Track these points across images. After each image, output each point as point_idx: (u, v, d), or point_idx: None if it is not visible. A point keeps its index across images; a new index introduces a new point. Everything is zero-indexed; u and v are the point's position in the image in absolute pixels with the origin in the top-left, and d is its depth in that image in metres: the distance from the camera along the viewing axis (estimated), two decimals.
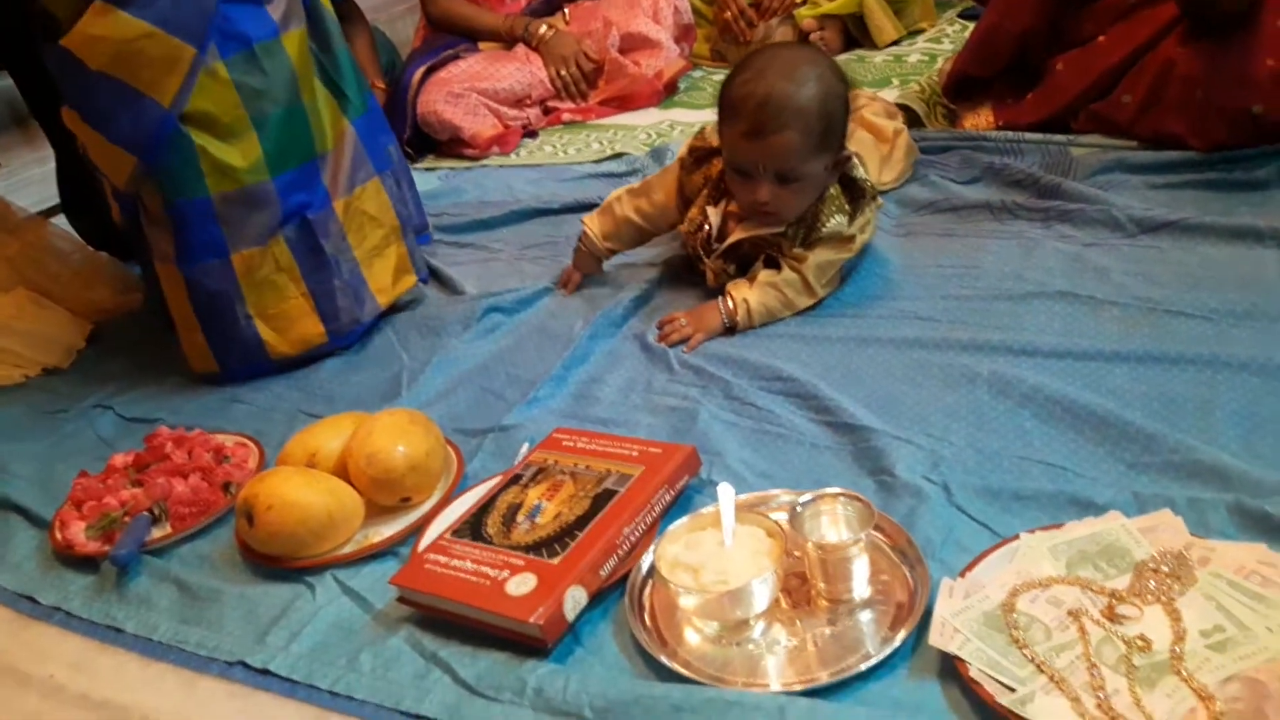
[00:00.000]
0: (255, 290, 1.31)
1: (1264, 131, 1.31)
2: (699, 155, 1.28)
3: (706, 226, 1.25)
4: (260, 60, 1.25)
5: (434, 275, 1.53)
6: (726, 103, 1.16)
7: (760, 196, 1.15)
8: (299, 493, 0.97)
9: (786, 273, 1.20)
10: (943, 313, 1.15)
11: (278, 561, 0.98)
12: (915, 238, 1.35)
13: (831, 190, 1.20)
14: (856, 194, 1.22)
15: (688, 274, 1.35)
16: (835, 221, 1.19)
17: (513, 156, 2.09)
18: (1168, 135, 1.39)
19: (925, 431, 0.96)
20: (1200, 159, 1.34)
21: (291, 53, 1.29)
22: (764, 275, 1.21)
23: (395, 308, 1.45)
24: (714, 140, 1.25)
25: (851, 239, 1.22)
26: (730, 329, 1.21)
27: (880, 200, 1.28)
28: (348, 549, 0.98)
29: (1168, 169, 1.35)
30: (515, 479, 0.97)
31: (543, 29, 2.21)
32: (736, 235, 1.22)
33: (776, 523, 0.82)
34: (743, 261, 1.26)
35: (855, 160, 1.22)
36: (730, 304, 1.20)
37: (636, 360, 1.21)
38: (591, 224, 1.38)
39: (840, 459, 0.96)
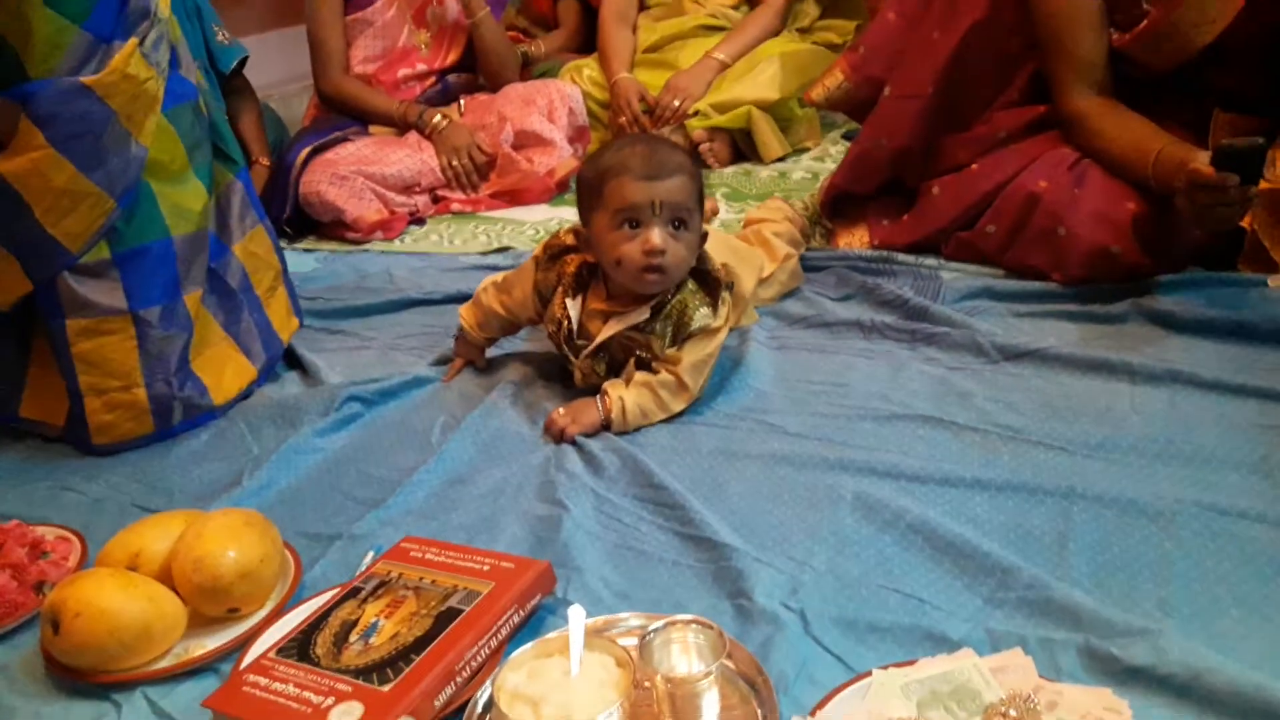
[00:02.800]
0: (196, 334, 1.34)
1: (1121, 270, 1.36)
2: (554, 252, 1.28)
3: (565, 322, 1.24)
4: (192, 115, 1.32)
5: (298, 363, 1.47)
6: (603, 168, 1.17)
7: (654, 241, 1.14)
8: (113, 599, 0.88)
9: (663, 375, 1.20)
10: (811, 429, 1.14)
11: (83, 675, 0.88)
12: (789, 351, 1.35)
13: (689, 285, 1.22)
14: (711, 285, 1.23)
15: (562, 370, 1.33)
16: (701, 314, 1.20)
17: (396, 243, 2.05)
18: (1030, 267, 1.44)
19: (787, 554, 0.94)
20: (1061, 291, 1.39)
21: (202, 112, 1.36)
22: (640, 376, 1.21)
23: (248, 395, 1.39)
24: (568, 239, 1.27)
25: (718, 331, 1.23)
26: (606, 427, 1.20)
27: (740, 287, 1.30)
28: (164, 662, 0.90)
29: (1031, 298, 1.40)
30: (354, 592, 0.90)
31: (437, 118, 2.19)
32: (606, 332, 1.21)
33: (626, 651, 0.77)
34: (612, 363, 1.25)
35: (704, 253, 1.24)
36: (607, 402, 1.20)
37: (505, 462, 1.16)
38: (466, 314, 1.38)
39: (701, 579, 0.93)
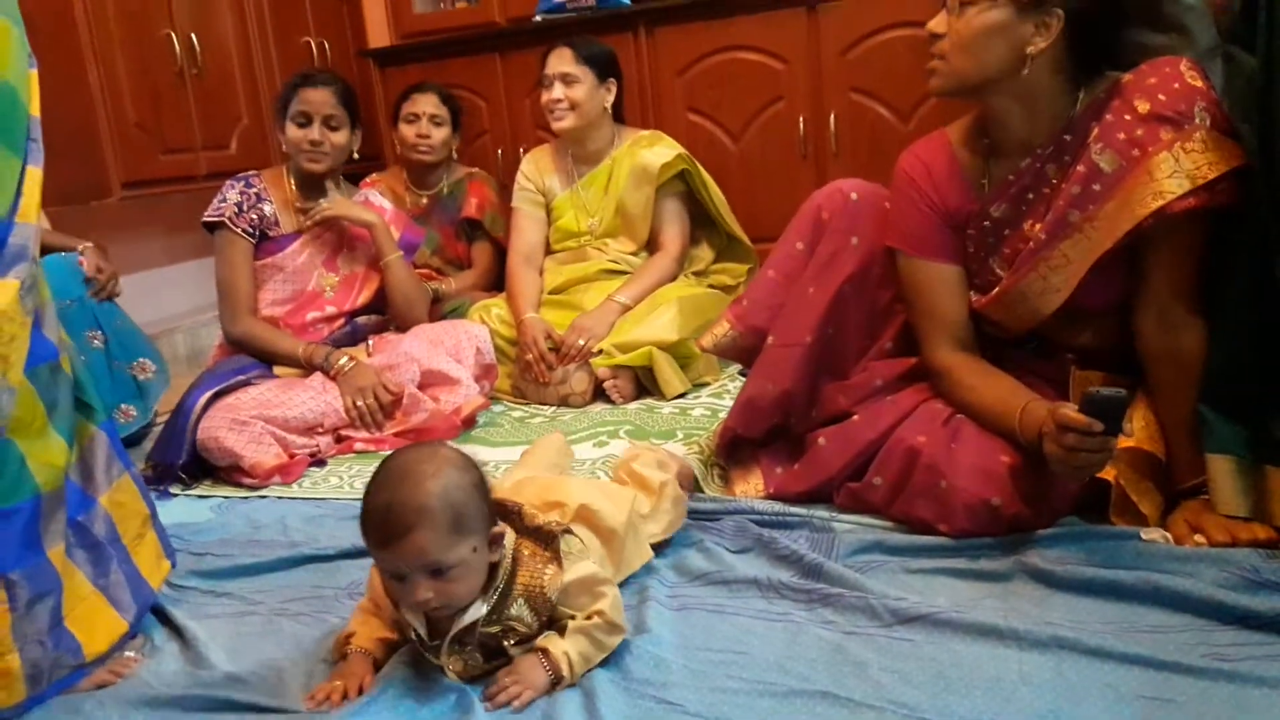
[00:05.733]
0: (66, 590, 1.27)
1: (1003, 522, 1.42)
2: None
3: (413, 634, 1.19)
4: (49, 375, 1.30)
5: (178, 633, 1.40)
6: (361, 518, 1.14)
7: (419, 596, 1.12)
8: None
9: (595, 619, 1.19)
10: (709, 708, 1.12)
11: None
12: (688, 612, 1.34)
13: (526, 550, 1.21)
14: (546, 539, 1.22)
15: None
16: (550, 575, 1.19)
17: (294, 487, 2.02)
18: (917, 520, 1.48)
19: None
20: (950, 545, 1.43)
21: (66, 370, 1.34)
22: (574, 624, 1.19)
23: (121, 647, 1.33)
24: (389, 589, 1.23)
25: (593, 577, 1.21)
26: (555, 684, 1.16)
27: (578, 539, 1.28)
28: None
29: (921, 553, 1.43)
30: None
31: (342, 360, 2.22)
32: (450, 633, 1.17)
33: None
34: (485, 651, 1.20)
35: (527, 513, 1.23)
36: (553, 659, 1.17)
37: None
38: (354, 629, 1.26)
39: None
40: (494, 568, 1.19)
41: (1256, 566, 1.26)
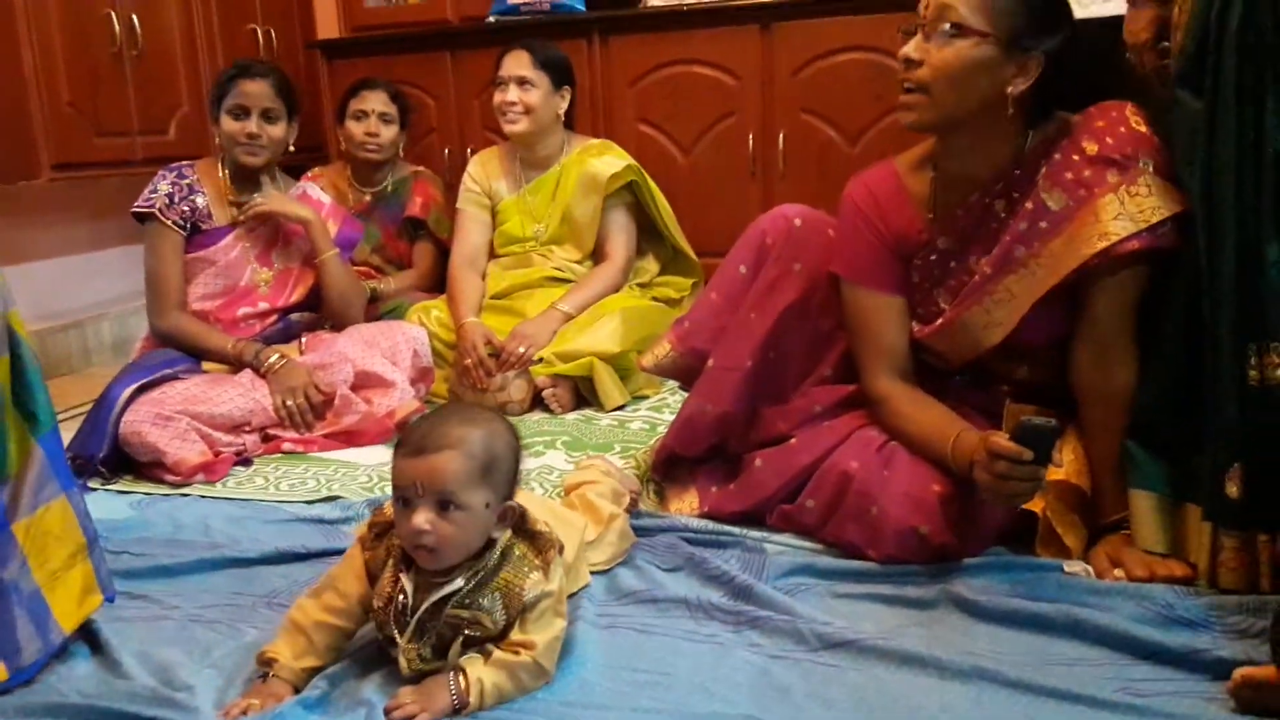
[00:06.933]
0: None
1: (930, 550, 1.43)
2: (379, 530, 1.24)
3: (401, 597, 1.18)
4: None
5: (91, 635, 1.34)
6: (401, 440, 1.18)
7: (419, 523, 1.12)
8: None
9: (523, 656, 1.16)
10: None
11: None
12: (616, 631, 1.33)
13: (518, 550, 1.20)
14: (542, 545, 1.22)
15: (381, 661, 1.25)
16: (533, 581, 1.18)
17: (218, 486, 1.97)
18: (847, 544, 1.49)
19: None
20: (877, 570, 1.44)
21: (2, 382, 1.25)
22: (499, 655, 1.16)
23: (22, 674, 1.23)
24: (392, 512, 1.22)
25: (557, 599, 1.20)
26: (459, 709, 1.13)
27: (565, 553, 1.27)
28: None
29: (850, 577, 1.44)
30: None
31: (273, 358, 2.17)
32: (424, 603, 1.16)
33: None
34: (439, 644, 1.19)
35: (532, 516, 1.23)
36: (463, 683, 1.14)
37: None
38: (279, 651, 1.19)
39: None
40: (485, 549, 1.19)
41: (1171, 603, 1.29)
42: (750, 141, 3.11)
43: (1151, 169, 1.38)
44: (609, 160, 2.62)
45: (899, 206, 1.57)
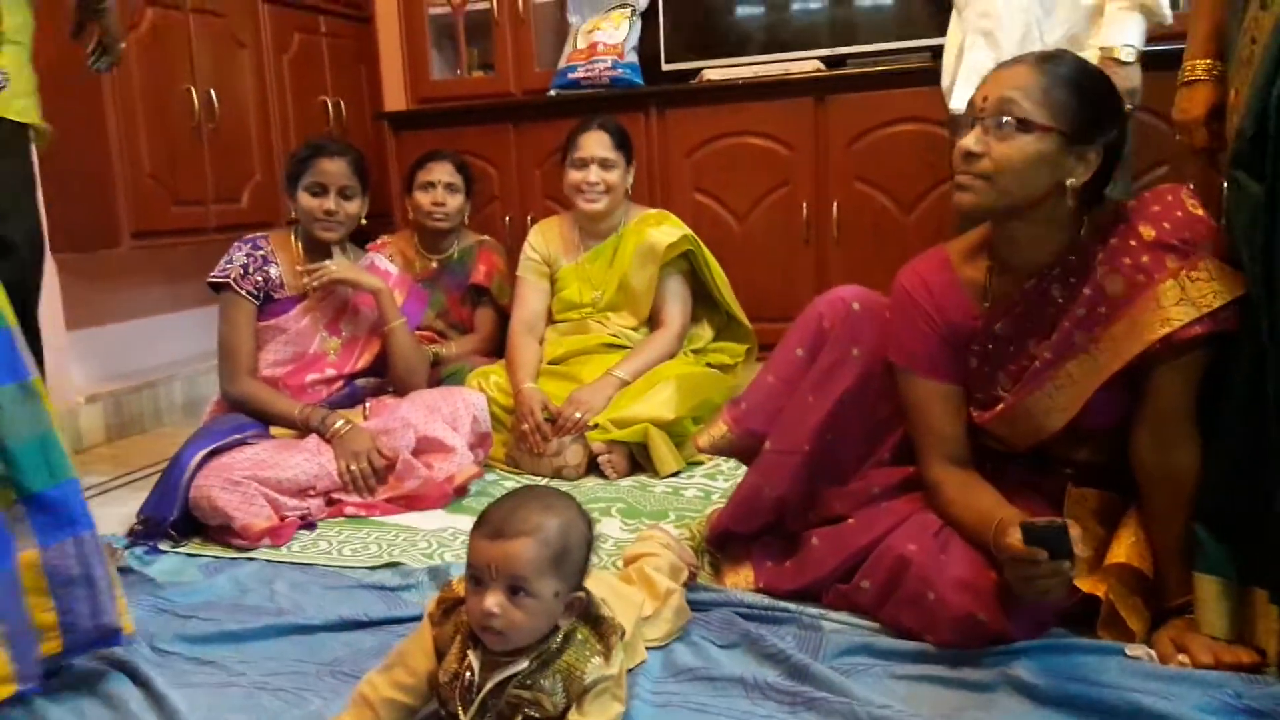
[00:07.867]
0: None
1: (988, 636, 1.42)
2: (447, 607, 1.27)
3: (468, 674, 1.21)
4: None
5: (158, 703, 1.38)
6: (484, 511, 1.22)
7: (487, 605, 1.15)
8: None
9: None
10: None
11: None
12: (672, 710, 1.34)
13: (580, 634, 1.22)
14: (605, 632, 1.24)
15: None
16: (593, 666, 1.19)
17: (283, 550, 2.02)
18: (903, 628, 1.48)
19: None
20: (935, 652, 1.43)
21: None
22: None
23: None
24: (461, 590, 1.26)
25: (617, 685, 1.22)
26: None
27: (626, 635, 1.30)
28: None
29: (907, 659, 1.43)
30: None
31: (338, 424, 2.23)
32: (489, 682, 1.18)
33: None
34: (500, 718, 1.21)
35: (596, 600, 1.25)
36: None
37: None
38: None
39: None
40: (550, 633, 1.21)
41: (1239, 691, 1.26)
42: (804, 209, 3.15)
43: (1211, 252, 1.39)
44: (666, 230, 2.67)
45: (953, 295, 1.57)
